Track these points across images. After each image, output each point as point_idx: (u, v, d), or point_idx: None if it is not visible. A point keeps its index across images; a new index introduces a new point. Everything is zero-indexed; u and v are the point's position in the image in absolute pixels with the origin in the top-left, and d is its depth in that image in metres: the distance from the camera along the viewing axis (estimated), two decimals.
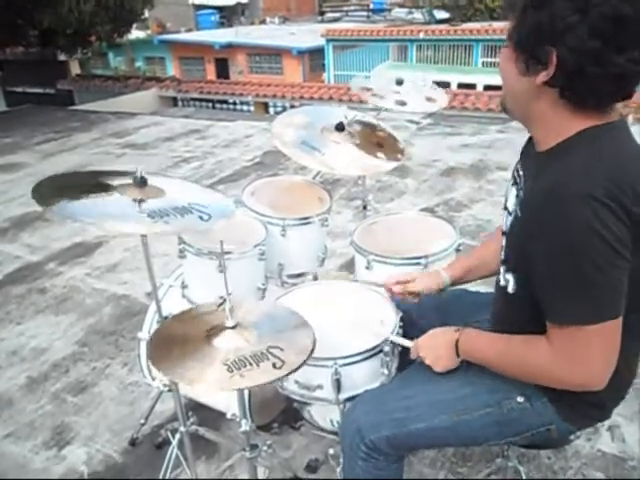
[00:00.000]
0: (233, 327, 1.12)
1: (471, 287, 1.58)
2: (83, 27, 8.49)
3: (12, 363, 2.59)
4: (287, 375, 1.01)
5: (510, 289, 1.12)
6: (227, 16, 24.76)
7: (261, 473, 1.83)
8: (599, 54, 0.91)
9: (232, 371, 1.00)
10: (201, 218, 1.26)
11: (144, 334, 1.84)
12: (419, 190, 4.44)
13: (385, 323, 1.48)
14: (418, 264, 1.75)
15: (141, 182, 1.31)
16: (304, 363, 1.03)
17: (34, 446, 2.09)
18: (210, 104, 11.62)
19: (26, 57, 13.12)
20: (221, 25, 23.50)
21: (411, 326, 1.52)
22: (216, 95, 11.18)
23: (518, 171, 1.17)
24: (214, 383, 0.98)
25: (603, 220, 0.90)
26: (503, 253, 1.17)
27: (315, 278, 2.20)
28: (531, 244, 0.99)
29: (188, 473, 1.79)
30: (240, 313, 1.20)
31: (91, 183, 1.34)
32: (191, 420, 1.67)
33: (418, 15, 20.80)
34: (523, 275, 1.07)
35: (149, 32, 23.71)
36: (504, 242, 1.17)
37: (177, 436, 1.65)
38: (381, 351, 1.39)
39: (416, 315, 1.56)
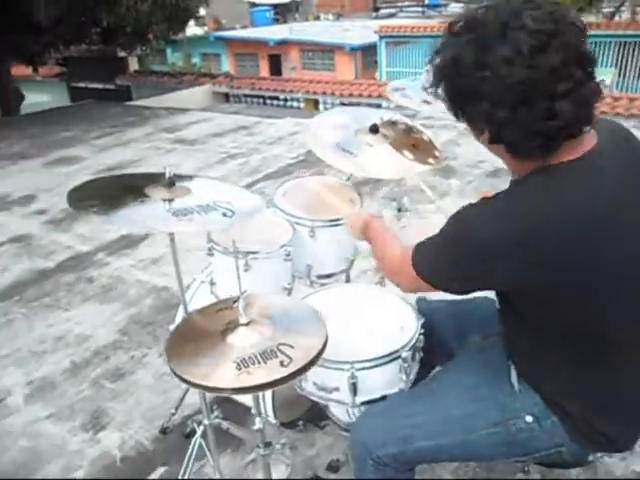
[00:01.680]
0: (247, 324, 1.15)
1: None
2: (141, 26, 8.79)
3: (58, 348, 2.73)
4: (294, 375, 1.02)
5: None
6: (281, 13, 24.99)
7: (283, 470, 1.87)
8: (508, 119, 0.93)
9: (240, 369, 1.03)
10: (225, 215, 1.29)
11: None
12: (463, 191, 4.35)
13: (405, 329, 1.47)
14: None
15: (169, 183, 1.35)
16: (311, 364, 1.04)
17: (72, 428, 2.20)
18: (261, 100, 11.78)
19: (89, 54, 13.69)
20: (275, 22, 23.75)
21: (430, 334, 1.51)
22: (267, 91, 11.31)
23: None
24: (222, 381, 1.01)
25: (494, 255, 0.98)
26: None
27: (347, 278, 2.21)
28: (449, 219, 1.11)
29: (211, 464, 1.85)
30: (257, 308, 1.23)
31: (123, 186, 1.40)
32: (215, 414, 1.72)
33: None
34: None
35: (206, 29, 24.27)
36: None
37: (200, 429, 1.70)
38: (399, 357, 1.39)
39: (436, 323, 1.55)
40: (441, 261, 1.09)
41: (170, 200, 1.33)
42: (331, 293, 1.67)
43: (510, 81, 0.90)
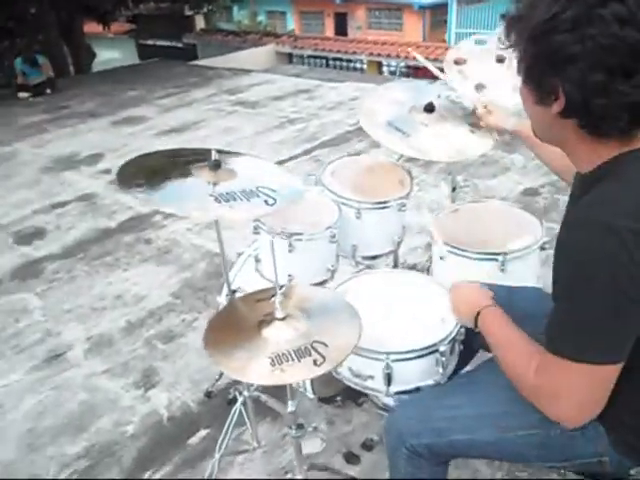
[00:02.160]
0: (282, 318, 1.16)
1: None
2: None
3: (116, 306, 2.89)
4: (324, 372, 1.03)
5: None
6: None
7: (318, 444, 1.92)
8: (604, 86, 0.85)
9: (274, 365, 1.05)
10: (266, 202, 1.30)
11: (222, 298, 1.96)
12: (526, 168, 4.16)
13: (446, 321, 1.44)
14: (495, 260, 1.68)
15: (215, 165, 1.36)
16: (341, 363, 1.04)
17: (125, 384, 2.33)
18: (324, 61, 11.61)
19: (158, 12, 13.88)
20: None
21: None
22: (330, 53, 11.13)
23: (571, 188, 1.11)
24: (256, 376, 1.03)
25: (630, 251, 0.84)
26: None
27: (395, 260, 2.18)
28: (555, 268, 0.97)
29: (250, 432, 1.92)
30: (295, 300, 1.23)
31: (171, 163, 1.42)
32: (255, 385, 1.77)
33: None
34: None
35: None
36: None
37: (241, 398, 1.76)
38: (437, 350, 1.37)
39: None
40: (593, 316, 0.89)
41: (214, 183, 1.34)
42: (375, 278, 1.65)
43: (617, 43, 0.83)
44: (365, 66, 11.02)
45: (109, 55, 17.03)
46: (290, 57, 12.04)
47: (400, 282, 1.64)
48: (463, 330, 1.43)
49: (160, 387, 2.30)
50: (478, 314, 1.21)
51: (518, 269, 1.73)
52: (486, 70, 2.16)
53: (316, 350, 1.08)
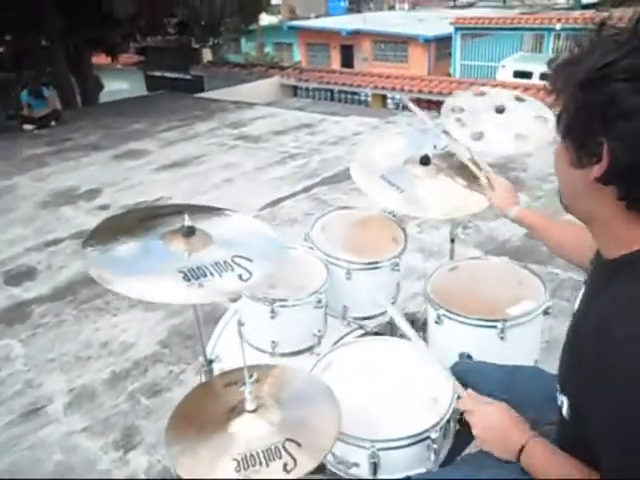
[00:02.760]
0: (253, 411, 1.05)
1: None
2: (213, 19, 8.90)
3: (101, 355, 2.77)
4: None
5: (564, 412, 0.93)
6: (356, 2, 24.65)
7: None
8: None
9: (240, 470, 0.93)
10: (240, 277, 1.19)
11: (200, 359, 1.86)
12: (530, 208, 4.04)
13: (439, 402, 1.33)
14: (494, 327, 1.57)
15: (188, 232, 1.27)
16: (315, 470, 0.93)
17: (105, 444, 2.20)
18: (329, 94, 11.66)
19: (166, 44, 14.09)
20: (350, 11, 23.47)
21: None
22: (335, 85, 11.18)
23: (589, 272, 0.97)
24: None
25: None
26: (558, 367, 0.97)
27: (390, 323, 2.04)
28: (585, 385, 0.82)
29: None
30: (268, 387, 1.12)
31: (142, 226, 1.32)
32: None
33: None
34: (575, 403, 0.89)
35: (280, 17, 24.38)
36: (560, 354, 0.97)
37: None
38: (428, 437, 1.25)
39: (480, 389, 1.38)
40: None
41: (189, 253, 1.24)
42: (362, 348, 1.54)
43: None
44: (370, 99, 11.06)
45: (118, 86, 17.26)
46: (295, 89, 12.11)
47: (389, 353, 1.52)
48: (458, 411, 1.32)
49: (141, 449, 2.17)
50: (521, 449, 1.02)
51: (519, 336, 1.61)
52: (485, 119, 2.07)
53: (287, 451, 0.97)
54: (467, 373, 1.46)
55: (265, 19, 22.20)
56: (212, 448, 0.99)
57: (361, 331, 1.81)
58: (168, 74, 15.27)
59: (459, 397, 1.23)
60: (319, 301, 1.58)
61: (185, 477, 0.94)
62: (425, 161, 1.87)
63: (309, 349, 1.66)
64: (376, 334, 1.89)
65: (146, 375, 2.60)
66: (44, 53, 9.93)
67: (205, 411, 1.08)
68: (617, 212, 0.81)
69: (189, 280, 1.15)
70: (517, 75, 11.74)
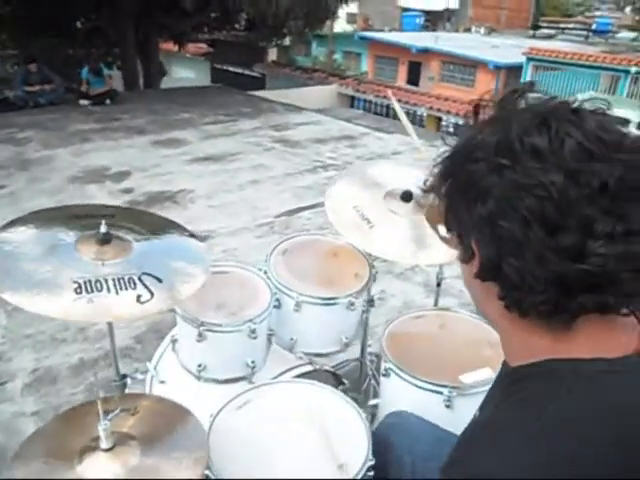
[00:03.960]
0: (109, 449, 0.95)
1: None
2: (279, 20, 8.94)
3: (77, 339, 2.76)
4: None
5: None
6: (432, 20, 24.37)
7: None
8: (518, 240, 0.61)
9: None
10: (139, 299, 1.10)
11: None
12: None
13: (345, 468, 1.19)
14: (439, 393, 1.42)
15: (103, 240, 1.19)
16: None
17: None
18: (385, 109, 11.54)
19: (234, 39, 14.33)
20: (425, 29, 23.23)
21: (397, 466, 1.22)
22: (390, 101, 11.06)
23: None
24: None
25: None
26: None
27: (335, 375, 1.86)
28: None
29: None
30: (137, 422, 1.02)
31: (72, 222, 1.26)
32: None
33: None
34: None
35: (355, 27, 24.43)
36: None
37: None
38: None
39: (407, 451, 1.24)
40: None
41: (101, 261, 1.17)
42: (286, 390, 1.41)
43: (537, 183, 0.60)
44: (425, 119, 10.86)
45: (184, 74, 17.75)
46: (352, 100, 12.07)
47: (312, 403, 1.37)
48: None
49: None
50: None
51: (467, 408, 1.45)
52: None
53: None
54: (395, 428, 1.32)
55: (340, 26, 22.31)
56: None
57: (309, 367, 1.69)
58: (233, 68, 15.57)
59: None
60: (253, 331, 1.47)
61: None
62: (406, 197, 1.74)
63: (241, 379, 1.55)
64: (331, 373, 1.77)
65: (110, 369, 2.55)
66: (115, 33, 10.27)
67: (62, 441, 0.99)
68: (502, 315, 0.68)
69: (80, 293, 1.07)
70: None
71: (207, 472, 1.13)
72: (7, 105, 7.72)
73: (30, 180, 5.04)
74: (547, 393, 0.63)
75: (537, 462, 0.58)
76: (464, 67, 17.70)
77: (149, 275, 1.16)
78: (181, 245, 1.36)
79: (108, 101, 8.23)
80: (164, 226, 1.38)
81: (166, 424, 1.05)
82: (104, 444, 0.95)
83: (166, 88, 10.81)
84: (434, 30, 22.51)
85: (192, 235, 1.37)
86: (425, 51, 18.09)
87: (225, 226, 4.19)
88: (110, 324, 1.36)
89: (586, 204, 0.58)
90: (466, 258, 0.70)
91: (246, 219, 4.35)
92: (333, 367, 1.94)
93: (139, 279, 1.14)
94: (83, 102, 8.09)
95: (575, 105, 0.65)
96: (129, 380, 1.55)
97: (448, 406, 1.42)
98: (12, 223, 1.21)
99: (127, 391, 1.62)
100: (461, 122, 9.76)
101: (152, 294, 1.12)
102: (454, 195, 0.69)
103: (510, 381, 0.71)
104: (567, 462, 0.57)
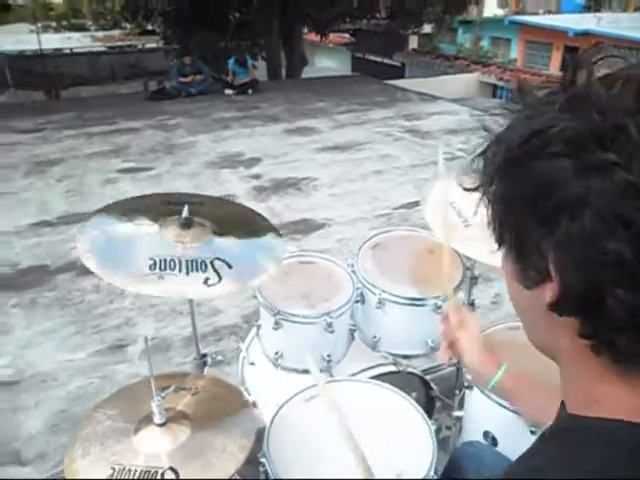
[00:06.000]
0: (162, 424, 0.99)
1: None
2: (417, 7, 8.71)
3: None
4: None
5: None
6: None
7: None
8: (635, 265, 0.44)
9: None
10: (206, 281, 1.13)
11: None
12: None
13: (404, 477, 1.12)
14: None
15: (185, 224, 1.24)
16: None
17: None
18: None
19: (375, 28, 14.28)
20: (587, 10, 21.06)
21: None
22: None
23: None
24: None
25: None
26: None
27: (422, 379, 1.73)
28: None
29: None
30: (190, 398, 1.06)
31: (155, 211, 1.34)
32: None
33: None
34: None
35: (507, 10, 22.97)
36: None
37: None
38: None
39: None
40: None
41: (183, 243, 1.22)
42: (355, 390, 1.37)
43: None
44: None
45: (326, 63, 18.13)
46: (495, 89, 11.38)
47: (379, 406, 1.31)
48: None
49: None
50: None
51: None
52: None
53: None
54: (467, 454, 1.23)
55: (490, 10, 21.07)
56: (104, 450, 0.97)
57: (392, 368, 1.63)
58: (373, 57, 15.55)
59: None
60: (329, 325, 1.44)
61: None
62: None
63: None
64: (418, 377, 1.70)
65: (218, 344, 2.71)
66: (263, 25, 10.78)
67: (134, 406, 1.06)
68: (579, 353, 0.53)
69: (153, 269, 1.13)
70: None
71: (263, 460, 1.14)
72: (163, 95, 8.52)
73: (173, 164, 5.50)
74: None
75: None
76: (630, 50, 15.79)
77: (221, 260, 1.19)
78: (259, 236, 1.38)
79: (250, 91, 8.69)
80: (247, 217, 1.41)
81: (221, 408, 1.07)
82: (157, 419, 1.00)
83: (306, 77, 11.12)
84: (597, 10, 20.30)
85: (273, 228, 1.38)
86: (585, 34, 16.41)
87: (343, 215, 4.21)
88: (191, 302, 1.42)
89: None
90: (532, 284, 0.53)
91: (365, 209, 4.32)
92: (425, 370, 1.86)
93: (211, 263, 1.17)
94: (228, 91, 8.64)
95: None
96: (209, 359, 1.60)
97: (533, 432, 1.27)
98: (109, 207, 1.30)
99: (211, 370, 1.68)
100: None
101: (220, 278, 1.14)
102: (516, 203, 0.51)
103: (563, 427, 0.58)
104: None
